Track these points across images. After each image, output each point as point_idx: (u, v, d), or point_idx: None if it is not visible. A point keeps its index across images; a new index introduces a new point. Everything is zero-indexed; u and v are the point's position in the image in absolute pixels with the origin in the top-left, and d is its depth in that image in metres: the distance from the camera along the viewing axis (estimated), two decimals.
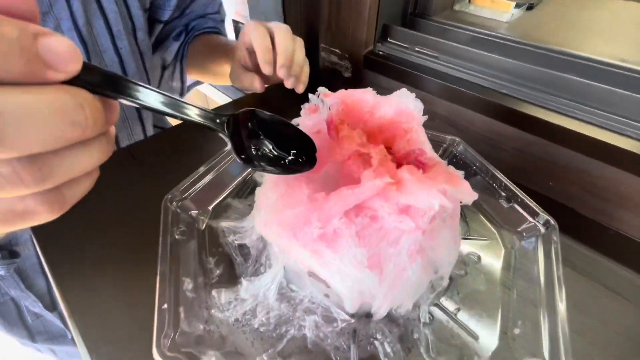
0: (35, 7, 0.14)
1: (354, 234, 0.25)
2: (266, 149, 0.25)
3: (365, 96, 0.31)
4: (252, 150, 0.24)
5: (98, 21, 0.47)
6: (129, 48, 0.51)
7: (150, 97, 0.17)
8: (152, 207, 0.34)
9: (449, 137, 0.45)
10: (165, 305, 0.27)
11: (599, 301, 0.34)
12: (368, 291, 0.24)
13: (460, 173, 0.36)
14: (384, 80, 0.58)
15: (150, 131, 0.61)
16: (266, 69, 0.44)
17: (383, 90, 0.32)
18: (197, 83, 0.73)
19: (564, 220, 0.34)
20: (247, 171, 0.44)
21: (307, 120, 0.31)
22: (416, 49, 0.55)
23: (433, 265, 0.27)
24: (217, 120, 0.22)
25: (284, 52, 0.45)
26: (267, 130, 0.25)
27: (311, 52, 0.57)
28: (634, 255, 0.39)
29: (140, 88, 0.17)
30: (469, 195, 0.26)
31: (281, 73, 0.45)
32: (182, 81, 0.66)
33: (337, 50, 0.60)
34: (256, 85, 0.47)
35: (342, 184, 0.27)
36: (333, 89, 0.32)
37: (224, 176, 0.41)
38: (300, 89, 0.49)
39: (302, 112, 0.32)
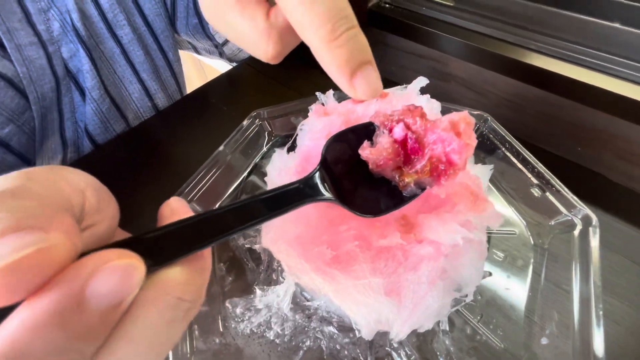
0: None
1: (369, 259, 0.23)
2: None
3: (368, 110, 0.26)
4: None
5: (90, 9, 0.41)
6: (132, 36, 0.44)
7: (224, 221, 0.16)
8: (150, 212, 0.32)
9: (476, 112, 0.40)
10: None
11: (630, 279, 0.31)
12: (385, 320, 0.23)
13: (488, 173, 0.32)
14: (392, 39, 0.50)
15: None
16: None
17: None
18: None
19: (592, 187, 0.31)
20: (255, 162, 0.41)
21: (317, 123, 0.27)
22: None
23: (456, 285, 0.25)
24: (311, 188, 0.19)
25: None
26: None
27: None
28: None
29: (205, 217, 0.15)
30: (495, 219, 0.23)
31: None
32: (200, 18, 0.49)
33: None
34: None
35: None
36: None
37: (230, 170, 0.39)
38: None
39: (310, 114, 0.28)
